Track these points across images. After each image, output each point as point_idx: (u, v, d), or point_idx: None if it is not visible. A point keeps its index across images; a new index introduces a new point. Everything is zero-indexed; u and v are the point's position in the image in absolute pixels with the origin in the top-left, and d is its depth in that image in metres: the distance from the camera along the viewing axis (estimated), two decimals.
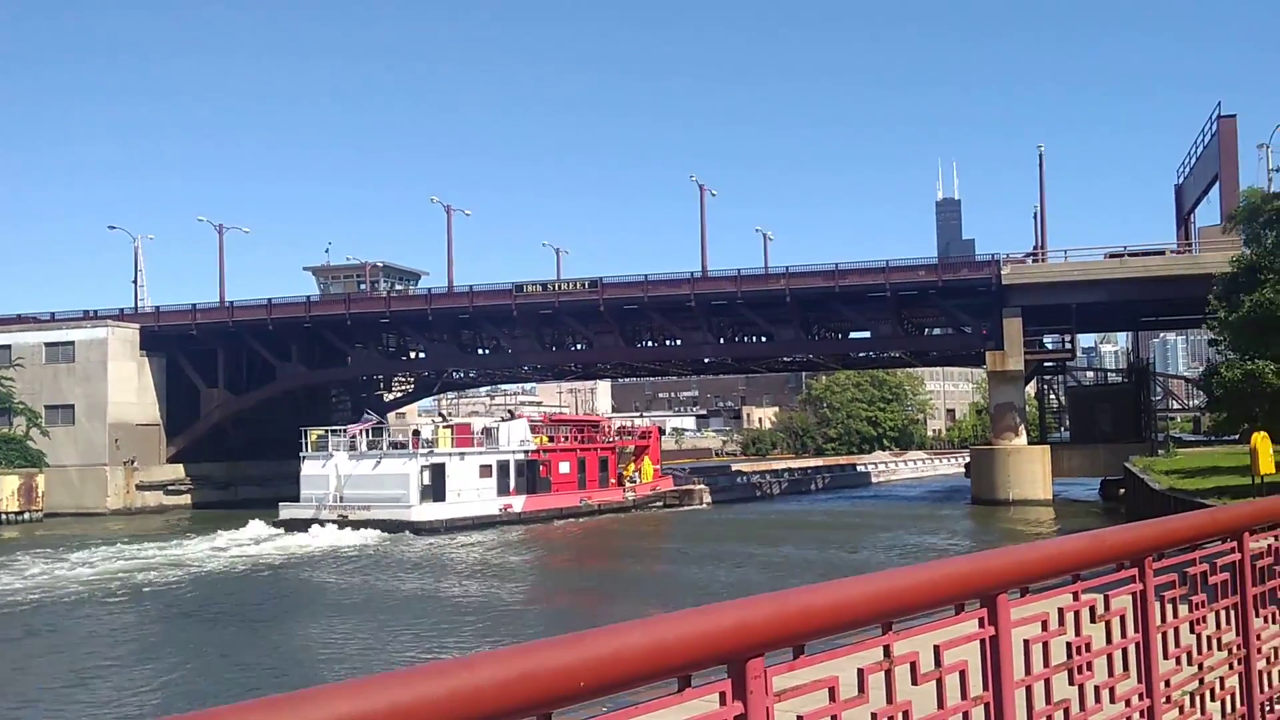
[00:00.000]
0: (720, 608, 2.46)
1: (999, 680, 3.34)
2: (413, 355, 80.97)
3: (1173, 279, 57.22)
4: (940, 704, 3.13)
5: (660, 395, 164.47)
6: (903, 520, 57.41)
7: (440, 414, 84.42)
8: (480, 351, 78.09)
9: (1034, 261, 65.30)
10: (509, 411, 78.10)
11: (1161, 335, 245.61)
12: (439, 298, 73.36)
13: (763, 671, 2.53)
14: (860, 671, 2.87)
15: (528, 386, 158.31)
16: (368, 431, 57.79)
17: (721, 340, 71.65)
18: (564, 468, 62.06)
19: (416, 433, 58.66)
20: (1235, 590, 5.06)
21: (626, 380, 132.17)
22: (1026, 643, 3.54)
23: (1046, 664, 3.63)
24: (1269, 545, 5.55)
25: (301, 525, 51.39)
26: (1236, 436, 45.23)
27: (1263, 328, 27.82)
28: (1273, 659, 5.39)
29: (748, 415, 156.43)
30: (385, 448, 56.82)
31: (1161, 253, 63.34)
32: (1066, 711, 3.72)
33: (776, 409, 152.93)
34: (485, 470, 56.87)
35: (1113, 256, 62.05)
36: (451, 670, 1.94)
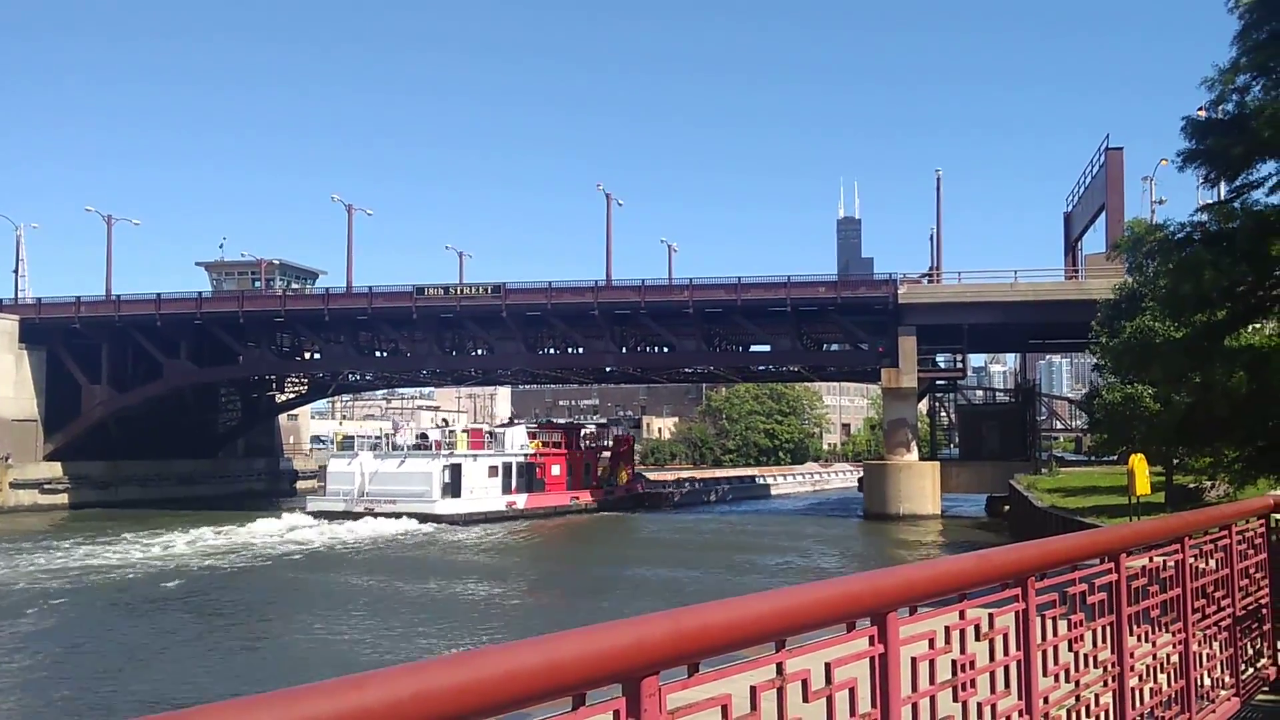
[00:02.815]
0: (616, 626, 2.45)
1: (887, 697, 3.39)
2: (308, 356, 79.19)
3: (1060, 303, 59.18)
4: None
5: (561, 403, 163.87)
6: (797, 533, 58.12)
7: (443, 419, 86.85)
8: (378, 354, 76.77)
9: (929, 282, 66.92)
10: (510, 418, 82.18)
11: (1048, 357, 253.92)
12: (337, 298, 71.95)
13: (657, 690, 2.52)
14: (753, 689, 2.88)
15: (425, 390, 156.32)
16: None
17: (624, 349, 71.70)
18: (555, 470, 68.43)
19: (424, 435, 65.43)
20: (1112, 609, 5.25)
21: (527, 387, 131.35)
22: (914, 660, 3.60)
23: (933, 681, 3.70)
24: (1143, 566, 5.76)
25: (342, 516, 57.49)
26: (1115, 457, 47.03)
27: (1142, 353, 28.94)
28: (1145, 676, 5.60)
29: (648, 425, 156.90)
30: (406, 450, 62.98)
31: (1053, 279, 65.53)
32: None
33: (676, 419, 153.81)
34: (493, 470, 63.41)
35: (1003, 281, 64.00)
36: (339, 690, 1.88)
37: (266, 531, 51.80)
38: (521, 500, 64.40)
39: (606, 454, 76.36)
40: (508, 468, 64.41)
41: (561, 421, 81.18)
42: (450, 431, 66.43)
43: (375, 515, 57.30)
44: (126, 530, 51.04)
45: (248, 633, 28.14)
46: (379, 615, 29.81)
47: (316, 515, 57.86)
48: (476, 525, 58.08)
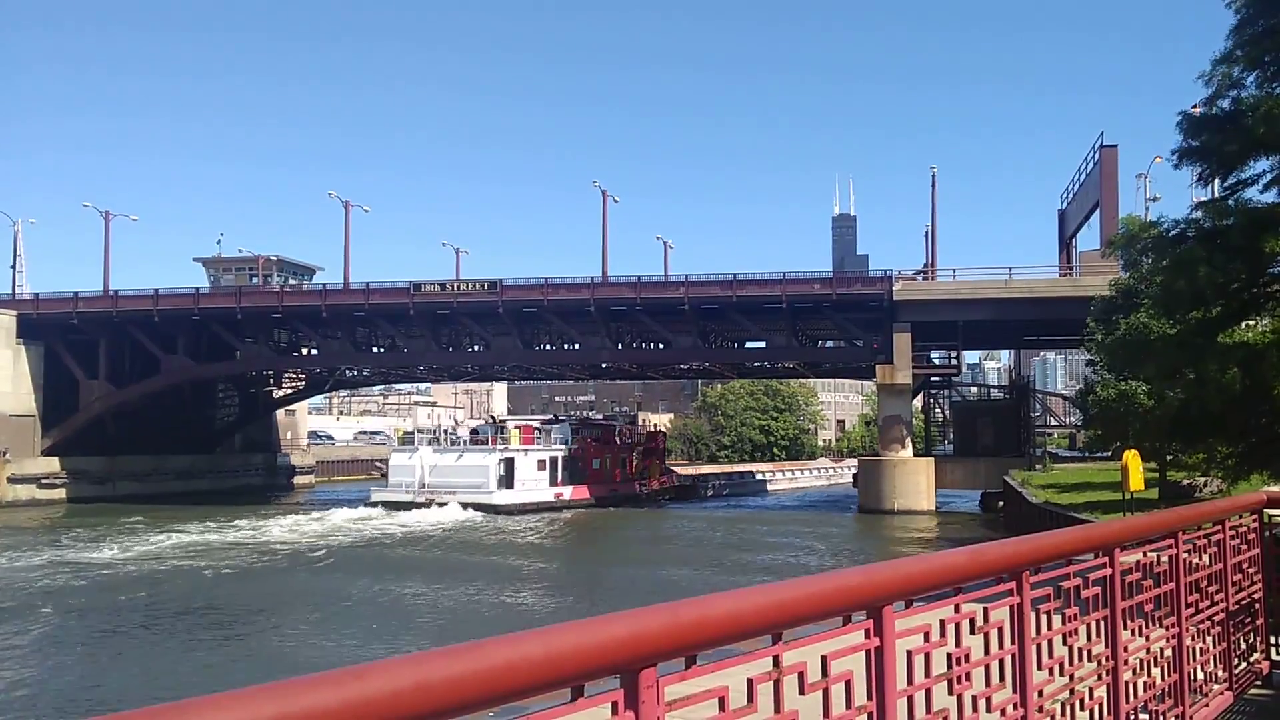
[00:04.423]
0: (614, 618, 2.47)
1: (882, 690, 3.41)
2: (305, 352, 79.15)
3: (1054, 300, 59.24)
4: (826, 713, 3.19)
5: (557, 399, 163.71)
6: (795, 525, 58.22)
7: (490, 416, 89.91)
8: (375, 350, 76.71)
9: (924, 279, 66.95)
10: (555, 415, 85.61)
11: (1042, 354, 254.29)
12: (334, 294, 71.87)
13: (655, 681, 2.55)
14: (750, 681, 2.91)
15: (422, 386, 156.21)
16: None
17: (620, 346, 71.72)
18: (595, 464, 72.93)
19: (475, 431, 70.56)
20: (1106, 604, 5.27)
21: (523, 383, 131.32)
22: (909, 653, 3.63)
23: (928, 674, 3.72)
24: (1137, 561, 5.79)
25: (406, 506, 61.77)
26: (1109, 453, 47.06)
27: (1136, 349, 28.95)
28: (1138, 670, 5.63)
29: (643, 421, 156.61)
30: (464, 444, 67.13)
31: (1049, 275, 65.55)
32: None
33: (672, 415, 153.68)
34: (541, 464, 67.85)
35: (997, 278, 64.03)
36: (342, 680, 1.90)
37: (345, 519, 56.93)
38: (567, 491, 68.57)
39: (639, 449, 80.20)
40: (554, 461, 68.75)
41: (600, 420, 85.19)
42: (502, 427, 70.85)
43: (437, 505, 61.46)
44: (194, 521, 53.64)
45: (376, 592, 33.49)
46: (468, 582, 35.30)
47: (383, 505, 62.25)
48: (528, 514, 62.26)
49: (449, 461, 65.48)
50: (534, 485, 66.58)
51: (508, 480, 65.32)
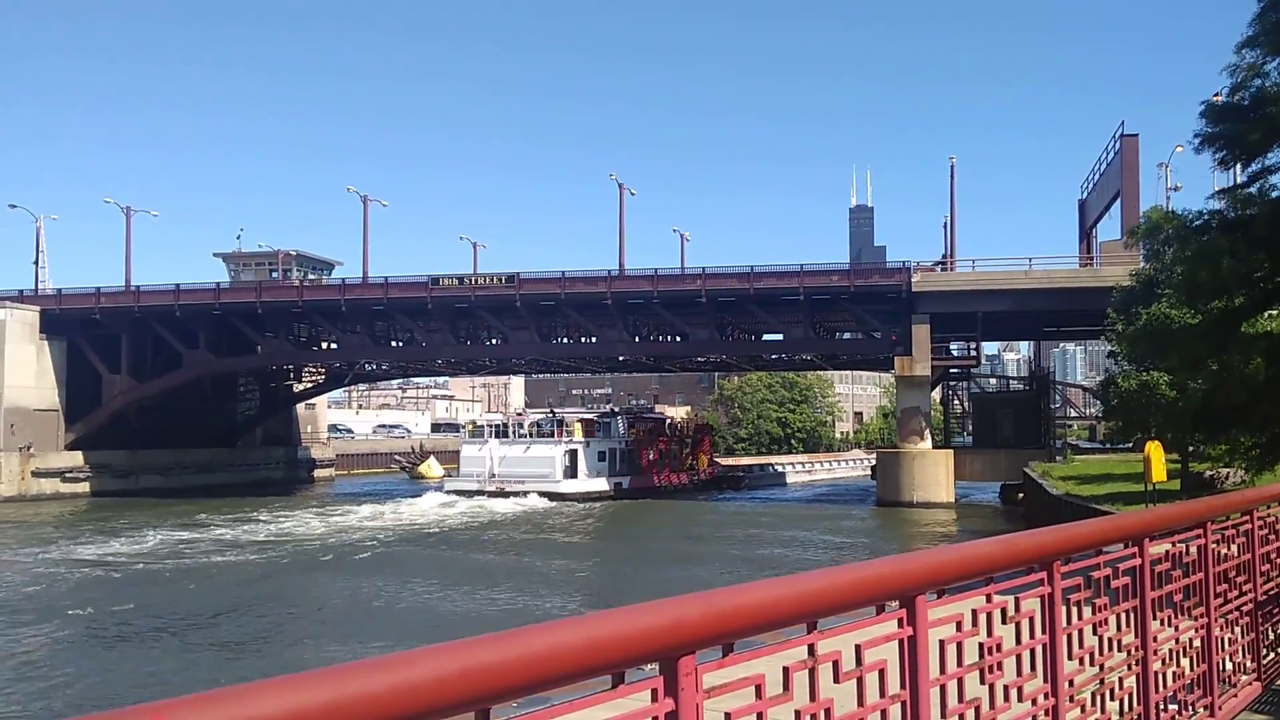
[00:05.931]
0: (654, 606, 2.49)
1: (916, 679, 3.43)
2: (324, 346, 79.44)
3: (1074, 290, 58.88)
4: (860, 701, 3.21)
5: (574, 392, 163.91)
6: (816, 516, 58.19)
7: (550, 410, 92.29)
8: (394, 344, 76.99)
9: (943, 270, 66.60)
10: (612, 410, 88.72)
11: (1062, 345, 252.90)
12: (353, 288, 72.14)
13: (694, 669, 2.57)
14: (786, 669, 2.93)
15: (439, 380, 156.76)
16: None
17: (637, 339, 71.76)
18: (650, 455, 77.24)
19: (537, 424, 73.65)
20: (1135, 594, 5.27)
21: (540, 376, 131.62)
22: (942, 643, 3.64)
23: (960, 664, 3.73)
24: (1167, 551, 5.78)
25: (478, 494, 65.83)
26: (1130, 445, 46.80)
27: (1159, 340, 28.77)
28: (1168, 660, 5.62)
29: (660, 413, 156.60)
30: (531, 436, 70.66)
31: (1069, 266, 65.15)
32: (977, 710, 3.84)
33: (689, 408, 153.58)
34: (601, 455, 71.90)
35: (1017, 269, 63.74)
36: (391, 665, 1.94)
37: (429, 505, 61.22)
38: (625, 481, 72.30)
39: (689, 442, 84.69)
40: (613, 453, 73.00)
41: (652, 415, 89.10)
42: (563, 420, 74.16)
43: (507, 494, 65.39)
44: (254, 513, 55.62)
45: (493, 563, 38.02)
46: (563, 557, 39.96)
47: (458, 494, 66.31)
48: (592, 502, 65.90)
49: (517, 453, 69.51)
50: (595, 475, 70.26)
51: (571, 471, 68.93)
